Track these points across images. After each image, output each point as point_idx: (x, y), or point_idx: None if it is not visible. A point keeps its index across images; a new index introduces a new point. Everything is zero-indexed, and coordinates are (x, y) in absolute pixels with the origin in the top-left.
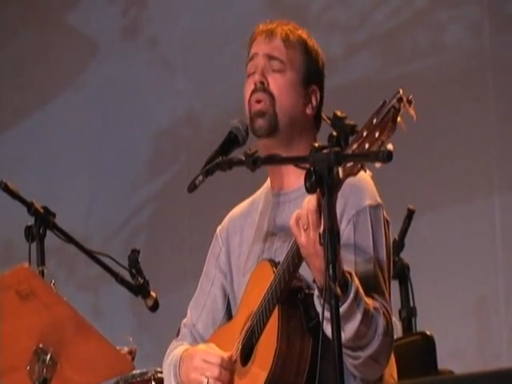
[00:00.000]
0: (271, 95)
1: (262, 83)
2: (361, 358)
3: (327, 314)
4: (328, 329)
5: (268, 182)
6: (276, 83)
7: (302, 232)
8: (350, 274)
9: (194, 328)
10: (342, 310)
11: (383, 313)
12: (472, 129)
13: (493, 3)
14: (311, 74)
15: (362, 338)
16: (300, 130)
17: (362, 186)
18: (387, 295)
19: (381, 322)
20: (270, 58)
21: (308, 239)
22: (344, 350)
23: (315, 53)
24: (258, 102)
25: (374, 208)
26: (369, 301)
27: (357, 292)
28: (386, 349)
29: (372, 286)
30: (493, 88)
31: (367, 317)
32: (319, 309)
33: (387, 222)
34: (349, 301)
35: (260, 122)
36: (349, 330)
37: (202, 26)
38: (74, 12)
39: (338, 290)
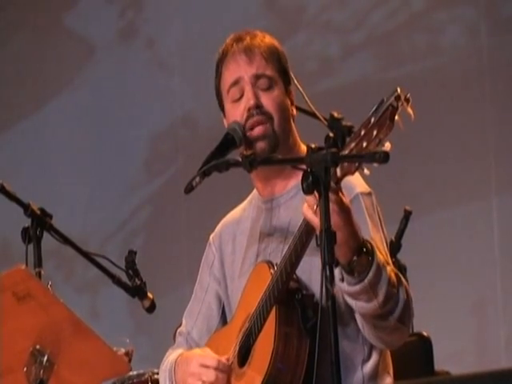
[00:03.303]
0: (268, 115)
1: (258, 107)
2: (391, 324)
3: (349, 289)
4: (357, 305)
5: (255, 192)
6: (269, 102)
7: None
8: (368, 240)
9: (189, 336)
10: (371, 274)
11: (399, 274)
12: (469, 130)
13: (489, 5)
14: (287, 77)
15: (390, 299)
16: (291, 131)
17: (349, 178)
18: (394, 268)
19: (401, 281)
20: (257, 77)
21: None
22: (374, 323)
23: (284, 55)
24: (258, 125)
25: (366, 195)
26: None
27: (379, 255)
28: (409, 307)
29: None
30: (490, 89)
31: (391, 277)
32: (341, 285)
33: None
34: (375, 263)
35: (262, 145)
36: (381, 294)
37: (199, 28)
38: (71, 14)
39: (335, 291)
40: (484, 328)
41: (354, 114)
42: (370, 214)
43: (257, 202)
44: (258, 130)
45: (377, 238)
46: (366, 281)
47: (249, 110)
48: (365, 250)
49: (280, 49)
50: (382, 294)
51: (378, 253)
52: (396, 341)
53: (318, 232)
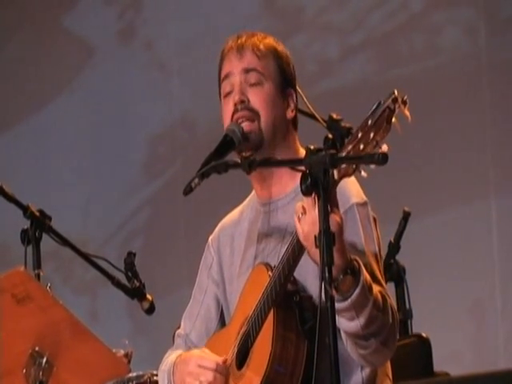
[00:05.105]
0: (254, 111)
1: (242, 102)
2: (373, 346)
3: (338, 306)
4: (339, 321)
5: (253, 194)
6: (257, 98)
7: (300, 221)
8: (356, 259)
9: (188, 338)
10: (355, 295)
11: (386, 296)
12: (468, 131)
13: (488, 6)
14: (286, 78)
15: (374, 322)
16: (283, 135)
17: (346, 186)
18: (384, 284)
19: (388, 305)
20: (246, 71)
21: (305, 225)
22: (356, 341)
23: (286, 57)
24: (243, 120)
25: (361, 205)
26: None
27: (366, 276)
28: (394, 332)
29: (370, 276)
30: (489, 90)
31: (377, 300)
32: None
33: (374, 218)
34: (360, 285)
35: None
36: (363, 316)
37: (198, 30)
38: (71, 15)
39: (334, 292)
40: (483, 329)
41: (353, 116)
42: (365, 226)
43: (255, 204)
44: (244, 126)
45: (369, 250)
46: (349, 301)
47: (235, 104)
48: (351, 270)
49: (280, 50)
50: (365, 316)
51: (364, 273)
52: (378, 361)
53: (301, 238)
